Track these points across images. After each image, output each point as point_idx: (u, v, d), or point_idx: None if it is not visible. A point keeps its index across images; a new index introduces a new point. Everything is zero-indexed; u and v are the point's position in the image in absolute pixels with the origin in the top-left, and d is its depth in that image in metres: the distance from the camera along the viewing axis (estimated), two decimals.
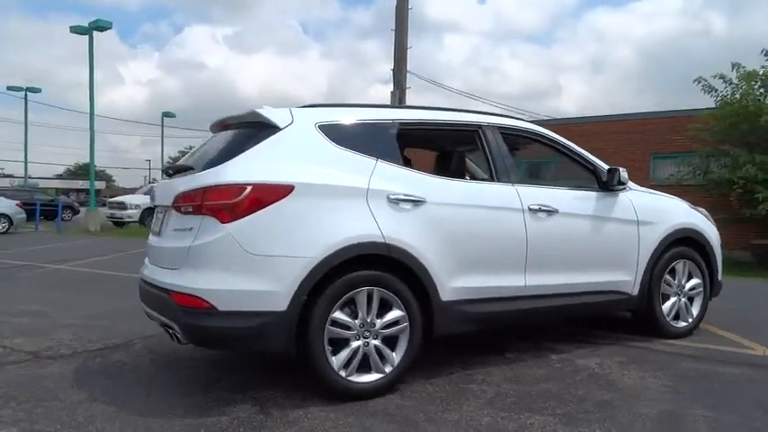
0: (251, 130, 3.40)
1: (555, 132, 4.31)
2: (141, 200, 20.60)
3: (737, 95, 12.94)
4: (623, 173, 4.22)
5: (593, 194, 4.23)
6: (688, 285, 4.66)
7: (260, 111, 3.36)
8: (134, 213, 20.42)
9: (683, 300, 4.64)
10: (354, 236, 3.20)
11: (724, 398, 3.32)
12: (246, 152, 3.21)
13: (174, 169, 3.75)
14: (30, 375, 3.70)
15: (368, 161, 3.41)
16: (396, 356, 3.34)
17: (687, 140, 14.51)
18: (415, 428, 2.88)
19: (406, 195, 3.41)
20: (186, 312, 3.04)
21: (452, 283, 3.49)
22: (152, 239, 3.75)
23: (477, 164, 4.76)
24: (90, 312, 5.67)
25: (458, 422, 2.95)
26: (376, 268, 3.25)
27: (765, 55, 12.98)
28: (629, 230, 4.31)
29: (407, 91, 14.05)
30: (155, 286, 3.37)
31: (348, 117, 3.55)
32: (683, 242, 4.58)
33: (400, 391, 3.36)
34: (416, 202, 3.43)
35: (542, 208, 3.89)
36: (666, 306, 4.54)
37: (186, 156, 4.14)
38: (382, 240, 3.25)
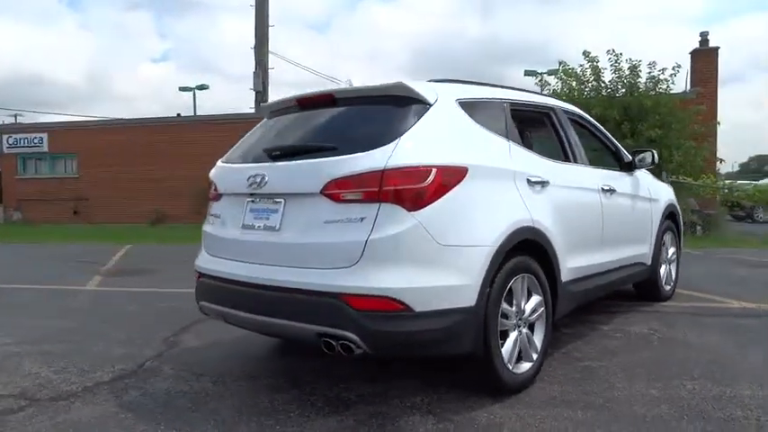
0: (392, 106, 2.96)
1: None
2: None
3: (566, 90, 14.91)
4: (648, 156, 4.62)
5: (625, 175, 4.56)
6: (670, 253, 5.31)
7: (410, 84, 2.96)
8: None
9: (669, 266, 5.28)
10: (516, 220, 3.04)
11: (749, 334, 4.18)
12: (412, 130, 2.79)
13: (283, 150, 3.10)
14: (59, 427, 2.77)
15: (503, 141, 3.26)
16: (537, 343, 3.25)
17: None
18: (607, 411, 2.85)
19: (538, 177, 3.32)
20: (372, 317, 2.57)
21: (568, 264, 3.51)
22: (239, 233, 3.10)
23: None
24: (35, 336, 4.40)
25: (642, 396, 3.00)
26: (524, 253, 3.11)
27: (584, 55, 15.15)
28: (649, 207, 4.77)
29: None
30: (285, 289, 2.79)
31: (478, 94, 3.33)
32: (669, 216, 5.20)
33: (538, 378, 3.29)
34: (544, 184, 3.36)
35: (610, 188, 4.09)
36: (662, 272, 5.12)
37: (257, 137, 3.47)
38: (531, 224, 3.14)
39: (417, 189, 2.63)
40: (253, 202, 3.08)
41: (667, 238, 5.18)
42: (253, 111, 13.52)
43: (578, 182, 3.78)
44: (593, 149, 4.65)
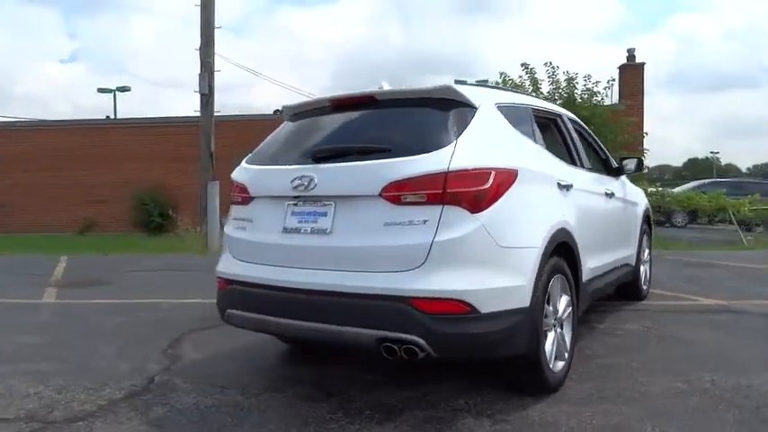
0: (439, 108, 2.96)
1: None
2: None
3: None
4: (633, 163, 4.85)
5: (614, 179, 4.77)
6: (646, 254, 5.60)
7: (457, 88, 2.98)
8: None
9: (645, 267, 5.57)
10: (555, 222, 3.13)
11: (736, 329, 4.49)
12: (466, 133, 2.82)
13: (331, 152, 3.02)
14: None
15: (534, 145, 3.35)
16: (567, 342, 3.33)
17: None
18: (647, 405, 2.96)
19: (565, 180, 3.43)
20: (439, 320, 2.55)
21: (587, 264, 3.63)
22: (279, 237, 2.99)
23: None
24: (12, 354, 4.03)
25: (671, 389, 3.13)
26: (558, 255, 3.19)
27: (523, 67, 15.76)
28: (633, 210, 5.02)
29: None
30: (341, 294, 2.72)
31: (510, 99, 3.44)
32: (646, 219, 5.50)
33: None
34: (569, 187, 3.47)
35: (611, 192, 4.28)
36: (642, 273, 5.40)
37: (286, 139, 3.38)
38: (565, 226, 3.23)
39: (479, 191, 2.66)
40: (295, 205, 2.98)
41: (644, 239, 5.47)
42: (198, 114, 13.02)
43: (591, 186, 3.94)
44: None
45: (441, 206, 2.61)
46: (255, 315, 3.04)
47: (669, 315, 4.95)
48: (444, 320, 2.55)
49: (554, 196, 3.26)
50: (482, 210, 2.65)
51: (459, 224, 2.60)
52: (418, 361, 2.67)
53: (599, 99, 15.37)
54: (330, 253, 2.82)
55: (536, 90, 15.70)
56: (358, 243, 2.74)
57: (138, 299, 6.04)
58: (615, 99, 17.00)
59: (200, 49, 12.77)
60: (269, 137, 3.52)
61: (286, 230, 2.98)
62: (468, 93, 3.00)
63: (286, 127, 3.52)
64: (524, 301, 2.76)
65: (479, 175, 2.68)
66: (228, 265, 3.24)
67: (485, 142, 2.88)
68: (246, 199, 3.24)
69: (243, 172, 3.33)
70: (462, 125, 2.85)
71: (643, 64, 17.12)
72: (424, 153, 2.71)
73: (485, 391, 3.14)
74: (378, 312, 2.62)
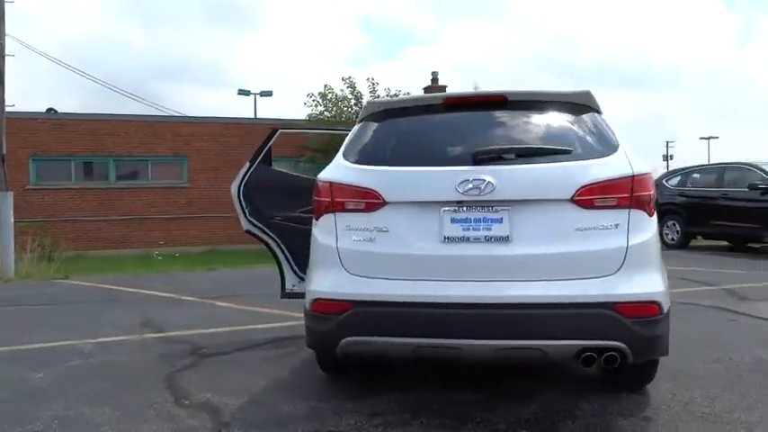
0: (576, 112, 2.93)
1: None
2: None
3: (328, 114, 15.65)
4: None
5: None
6: None
7: (591, 92, 2.95)
8: None
9: None
10: None
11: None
12: (619, 138, 2.83)
13: (496, 153, 2.74)
14: None
15: None
16: None
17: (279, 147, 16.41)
18: (730, 376, 3.23)
19: None
20: (639, 324, 2.53)
21: None
22: (438, 248, 2.63)
23: None
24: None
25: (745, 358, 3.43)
26: None
27: (343, 81, 16.13)
28: None
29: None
30: (536, 306, 2.51)
31: None
32: None
33: None
34: None
35: None
36: None
37: (402, 137, 3.03)
38: None
39: (651, 195, 2.71)
40: (455, 211, 2.63)
41: None
42: None
43: None
44: None
45: (628, 210, 2.61)
46: (397, 339, 2.58)
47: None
48: (642, 323, 2.54)
49: None
50: (653, 213, 2.71)
51: (644, 228, 2.63)
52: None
53: None
54: (511, 262, 2.58)
55: (358, 103, 16.18)
56: (547, 250, 2.58)
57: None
58: None
59: None
60: (365, 135, 3.05)
61: (448, 240, 2.63)
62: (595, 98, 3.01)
63: (389, 125, 3.07)
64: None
65: (649, 179, 2.73)
66: (344, 284, 2.68)
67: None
68: (375, 205, 2.72)
69: (364, 174, 2.79)
70: (610, 130, 2.87)
71: (445, 86, 18.82)
72: (604, 156, 2.69)
73: (555, 395, 3.08)
74: (581, 321, 2.49)
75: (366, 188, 2.73)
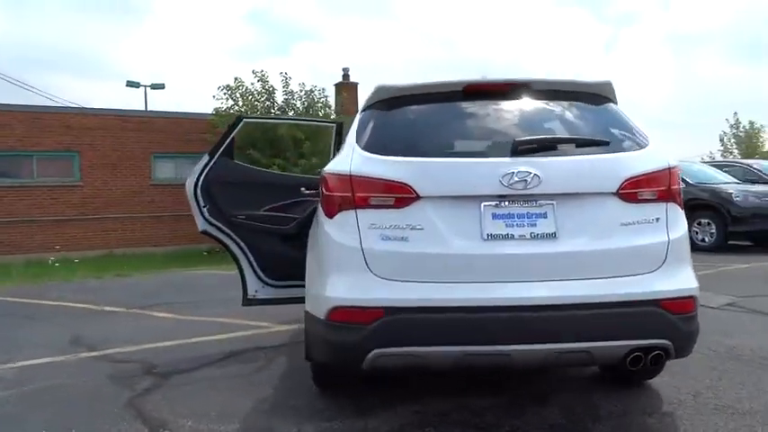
0: (601, 103, 2.83)
1: None
2: None
3: (239, 107, 14.96)
4: None
5: None
6: None
7: (612, 83, 2.85)
8: None
9: None
10: None
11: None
12: (639, 128, 2.75)
13: (538, 144, 2.54)
14: None
15: None
16: None
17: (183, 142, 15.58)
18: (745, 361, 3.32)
19: None
20: (683, 320, 2.45)
21: None
22: (479, 246, 2.40)
23: None
24: None
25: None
26: None
27: (254, 74, 15.47)
28: None
29: None
30: (586, 306, 2.35)
31: None
32: None
33: None
34: None
35: None
36: None
37: (424, 125, 2.77)
38: None
39: (680, 189, 2.64)
40: (497, 205, 2.42)
41: None
42: None
43: None
44: None
45: (665, 203, 2.55)
46: (440, 349, 2.34)
47: None
48: (685, 319, 2.46)
49: None
50: (683, 207, 2.65)
51: (679, 221, 2.58)
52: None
53: (328, 112, 16.21)
54: (559, 261, 2.41)
55: (270, 98, 15.57)
56: (593, 246, 2.43)
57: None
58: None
59: None
60: (381, 122, 2.74)
61: (490, 237, 2.40)
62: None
63: (408, 113, 2.80)
64: None
65: (678, 172, 2.66)
66: (373, 289, 2.37)
67: None
68: (406, 201, 2.42)
69: (393, 165, 2.47)
70: (630, 121, 2.78)
71: (357, 84, 18.59)
72: (642, 149, 2.61)
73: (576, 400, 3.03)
74: (631, 320, 2.37)
75: (397, 181, 2.44)
